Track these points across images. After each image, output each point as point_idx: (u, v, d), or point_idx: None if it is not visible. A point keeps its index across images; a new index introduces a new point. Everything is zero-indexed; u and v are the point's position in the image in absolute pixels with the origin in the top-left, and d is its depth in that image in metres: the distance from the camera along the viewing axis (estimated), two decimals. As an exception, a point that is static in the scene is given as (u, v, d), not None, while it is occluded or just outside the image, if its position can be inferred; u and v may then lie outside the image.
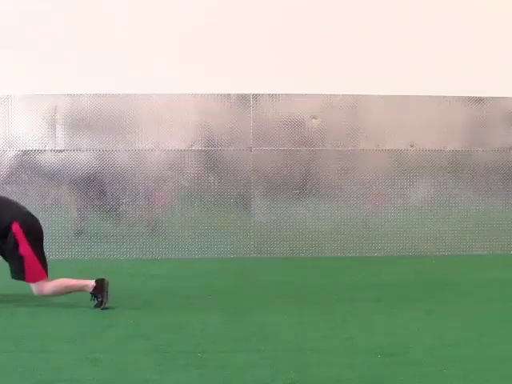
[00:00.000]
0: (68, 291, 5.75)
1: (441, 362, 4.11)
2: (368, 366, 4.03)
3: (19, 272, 5.69)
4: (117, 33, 9.00)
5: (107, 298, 5.64)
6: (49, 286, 5.69)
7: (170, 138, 8.97)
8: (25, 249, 5.65)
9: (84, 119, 8.90)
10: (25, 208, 5.94)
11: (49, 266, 5.82)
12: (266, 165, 9.06)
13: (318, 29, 9.25)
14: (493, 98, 9.22)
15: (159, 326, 5.09)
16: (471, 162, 9.25)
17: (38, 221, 5.92)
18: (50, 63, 8.87)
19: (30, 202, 8.81)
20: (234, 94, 9.03)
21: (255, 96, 9.03)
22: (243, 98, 9.03)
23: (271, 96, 9.04)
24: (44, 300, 6.07)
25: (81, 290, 5.73)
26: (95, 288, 5.67)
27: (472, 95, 9.18)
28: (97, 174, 8.92)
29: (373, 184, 9.13)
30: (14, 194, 8.80)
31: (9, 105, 8.84)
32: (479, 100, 9.23)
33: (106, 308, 5.61)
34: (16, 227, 5.67)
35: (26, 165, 8.87)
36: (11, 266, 5.76)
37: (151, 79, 8.87)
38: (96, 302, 5.66)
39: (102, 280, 5.68)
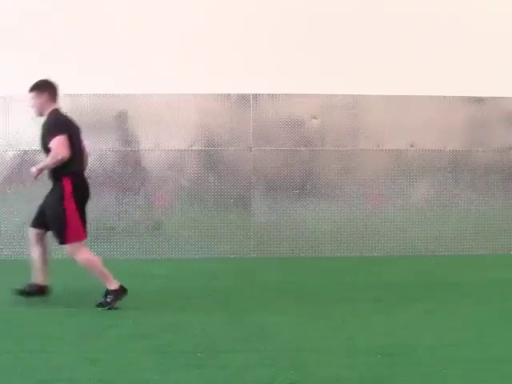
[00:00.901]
0: (94, 272, 5.69)
1: (441, 362, 4.11)
2: (368, 366, 4.03)
3: (60, 228, 5.65)
4: (117, 33, 9.00)
5: (114, 305, 5.64)
6: (84, 254, 5.68)
7: (170, 138, 8.97)
8: (69, 203, 5.63)
9: (84, 119, 8.88)
10: (84, 170, 5.91)
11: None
12: (266, 165, 9.05)
13: (317, 29, 9.25)
14: (493, 98, 9.22)
15: (159, 326, 5.09)
16: (471, 162, 9.25)
17: (88, 187, 5.90)
18: (50, 63, 8.85)
19: (30, 201, 8.81)
20: (234, 94, 9.03)
21: (255, 96, 9.03)
22: (243, 98, 9.03)
23: (271, 96, 9.04)
24: (44, 300, 6.08)
25: (103, 279, 5.69)
26: (116, 290, 5.68)
27: (472, 95, 9.18)
28: (97, 173, 8.91)
29: (373, 184, 9.13)
30: (13, 193, 8.81)
31: (9, 105, 8.84)
32: (479, 100, 9.23)
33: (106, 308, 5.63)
34: (67, 182, 5.65)
35: (27, 164, 8.85)
36: (53, 223, 5.71)
37: (151, 79, 8.87)
38: (102, 300, 5.67)
39: (125, 290, 5.71)
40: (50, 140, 5.63)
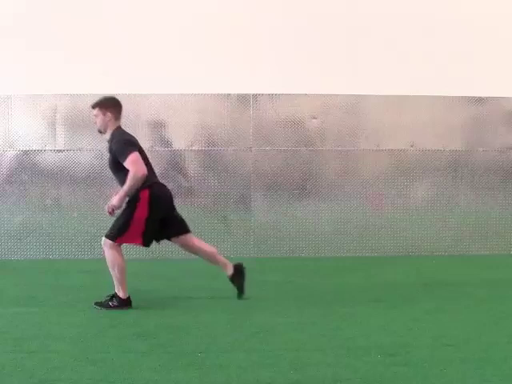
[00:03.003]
0: (114, 273, 5.66)
1: (441, 362, 4.11)
2: (368, 366, 4.03)
3: (120, 228, 5.63)
4: (117, 33, 9.00)
5: (111, 308, 5.66)
6: (115, 252, 5.62)
7: (170, 138, 8.97)
8: (141, 211, 5.60)
9: (84, 119, 8.89)
10: (156, 177, 5.87)
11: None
12: (266, 165, 9.06)
13: (318, 29, 9.25)
14: (493, 98, 9.22)
15: (159, 326, 5.10)
16: (471, 162, 9.25)
17: (170, 198, 5.85)
18: (50, 63, 8.86)
19: (30, 202, 8.83)
20: (234, 94, 9.03)
21: (255, 96, 9.03)
22: (243, 98, 9.04)
23: (271, 96, 9.04)
24: (44, 300, 6.09)
25: (117, 284, 5.68)
26: (123, 299, 5.70)
27: (472, 95, 9.18)
28: (97, 173, 8.92)
29: (373, 184, 9.13)
30: (13, 194, 8.81)
31: (9, 105, 8.84)
32: (479, 100, 9.24)
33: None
34: (144, 192, 5.61)
35: (26, 165, 8.88)
36: (118, 219, 5.72)
37: (151, 79, 8.86)
38: (104, 301, 5.69)
39: (131, 302, 5.72)
40: (122, 159, 5.56)
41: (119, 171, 5.66)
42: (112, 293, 5.74)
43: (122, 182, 5.62)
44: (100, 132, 5.86)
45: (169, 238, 6.00)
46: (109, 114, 5.75)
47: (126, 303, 5.70)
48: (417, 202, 9.19)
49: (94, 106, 5.81)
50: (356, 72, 9.09)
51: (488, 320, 5.32)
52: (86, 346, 4.53)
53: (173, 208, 5.92)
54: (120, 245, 5.71)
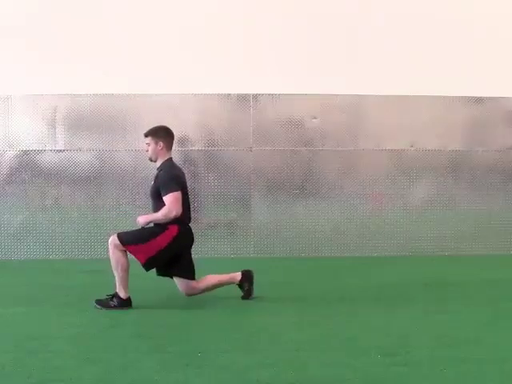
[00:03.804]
0: (117, 273, 5.67)
1: (441, 362, 4.11)
2: (368, 366, 4.03)
3: (137, 240, 5.65)
4: (117, 33, 9.00)
5: (111, 308, 5.67)
6: (120, 254, 5.64)
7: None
8: (163, 240, 5.66)
9: (84, 119, 8.90)
10: (189, 220, 5.93)
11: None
12: (266, 165, 9.06)
13: (318, 29, 9.25)
14: (493, 98, 9.22)
15: (159, 326, 5.10)
16: (471, 162, 9.25)
17: (192, 236, 5.96)
18: (50, 63, 8.86)
19: (30, 202, 8.83)
20: (234, 94, 9.03)
21: (255, 96, 9.03)
22: (243, 98, 9.04)
23: (271, 96, 9.04)
24: (44, 300, 6.09)
25: (119, 284, 5.70)
26: (123, 299, 5.71)
27: (472, 95, 9.18)
28: (97, 174, 8.92)
29: (373, 184, 9.13)
30: (14, 194, 8.81)
31: (9, 105, 8.84)
32: (479, 100, 9.24)
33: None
34: (173, 227, 5.68)
35: (26, 165, 8.88)
36: (141, 231, 5.75)
37: (151, 79, 8.87)
38: (105, 300, 5.73)
39: (131, 303, 5.73)
40: (164, 193, 5.62)
41: (157, 200, 5.72)
42: (112, 292, 5.74)
43: (156, 210, 5.73)
44: (151, 160, 5.90)
45: (171, 276, 5.99)
46: (161, 144, 5.79)
47: (126, 303, 5.70)
48: (417, 202, 9.18)
49: (146, 135, 5.86)
50: (356, 72, 9.09)
51: (488, 320, 5.32)
52: (86, 346, 4.53)
53: (189, 251, 5.97)
54: (124, 250, 5.70)
